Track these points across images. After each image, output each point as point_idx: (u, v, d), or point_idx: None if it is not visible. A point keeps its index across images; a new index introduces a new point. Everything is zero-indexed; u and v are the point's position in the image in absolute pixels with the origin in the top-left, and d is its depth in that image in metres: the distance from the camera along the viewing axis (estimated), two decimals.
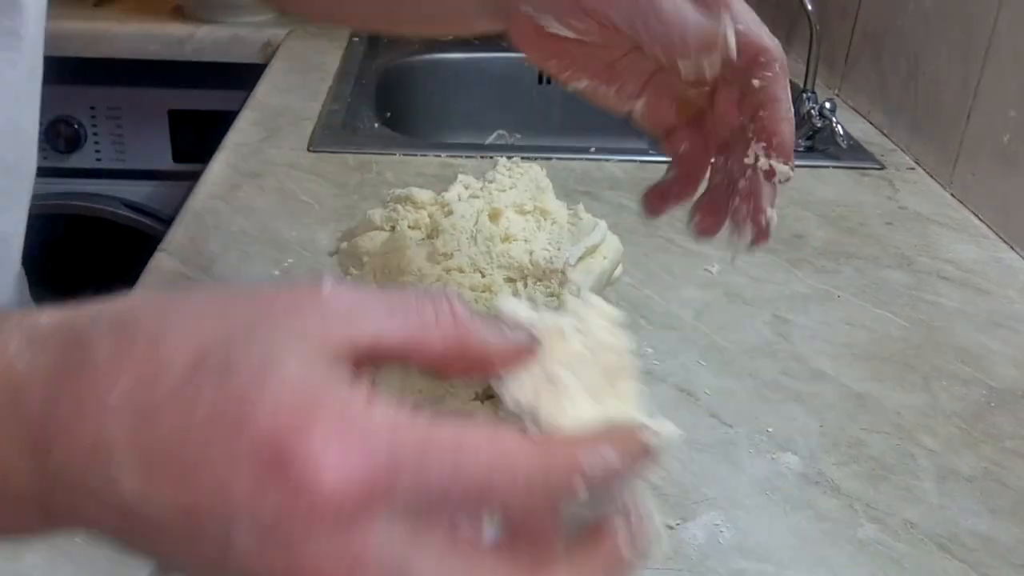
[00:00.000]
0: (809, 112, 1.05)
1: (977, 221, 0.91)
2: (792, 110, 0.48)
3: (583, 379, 0.35)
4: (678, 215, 0.89)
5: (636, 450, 0.30)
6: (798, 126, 1.06)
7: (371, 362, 0.30)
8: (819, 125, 1.04)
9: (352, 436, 0.26)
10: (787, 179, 0.47)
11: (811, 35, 1.07)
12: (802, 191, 0.96)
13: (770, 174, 0.47)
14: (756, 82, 0.47)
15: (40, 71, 0.62)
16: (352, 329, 0.29)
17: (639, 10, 0.46)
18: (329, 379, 0.27)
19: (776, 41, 0.48)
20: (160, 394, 0.26)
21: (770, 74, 0.47)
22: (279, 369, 0.27)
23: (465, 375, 0.33)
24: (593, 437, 0.29)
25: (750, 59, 0.47)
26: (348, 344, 0.29)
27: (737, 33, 0.46)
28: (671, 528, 0.51)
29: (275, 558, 0.26)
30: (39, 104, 0.63)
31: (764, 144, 0.47)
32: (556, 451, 0.28)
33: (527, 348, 0.32)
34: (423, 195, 0.62)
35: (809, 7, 1.06)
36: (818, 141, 1.06)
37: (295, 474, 0.25)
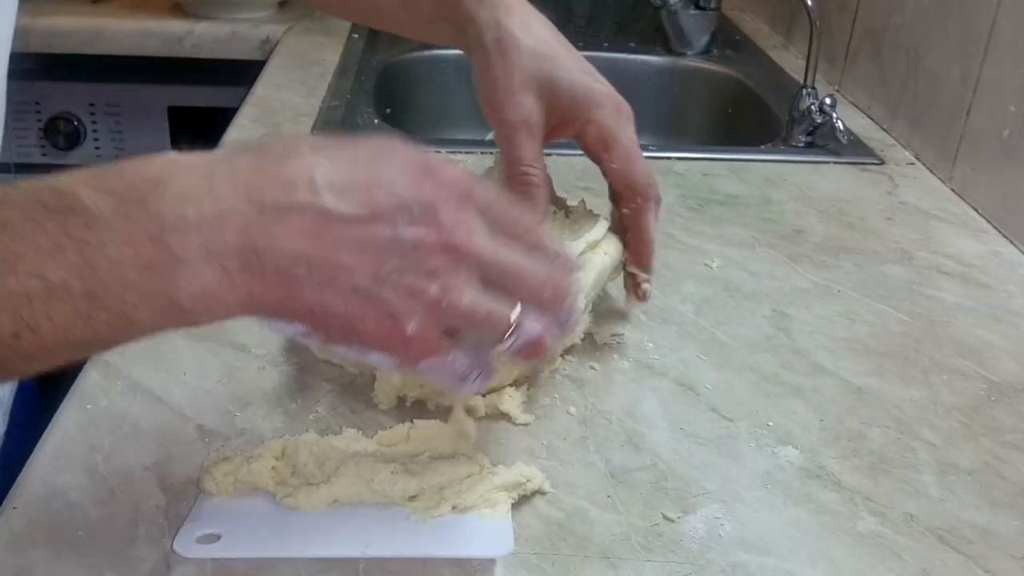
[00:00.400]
0: (809, 107, 1.05)
1: (977, 216, 0.91)
2: (653, 236, 0.64)
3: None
4: (678, 211, 0.89)
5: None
6: (799, 121, 1.07)
7: None
8: (819, 120, 1.04)
9: (459, 169, 0.44)
10: (646, 282, 0.65)
11: (811, 30, 1.07)
12: (802, 186, 0.96)
13: (635, 283, 0.65)
14: (625, 211, 0.62)
15: (5, 68, 0.63)
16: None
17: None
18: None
19: (649, 178, 0.62)
20: (333, 146, 0.42)
21: (634, 206, 0.62)
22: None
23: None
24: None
25: (620, 191, 0.62)
26: None
27: (612, 171, 0.62)
28: (672, 521, 0.52)
29: (429, 224, 0.41)
30: (5, 99, 0.64)
31: (630, 256, 0.64)
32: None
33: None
34: None
35: (809, 2, 1.06)
36: (818, 136, 1.06)
37: (435, 175, 0.42)
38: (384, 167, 0.42)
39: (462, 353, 0.44)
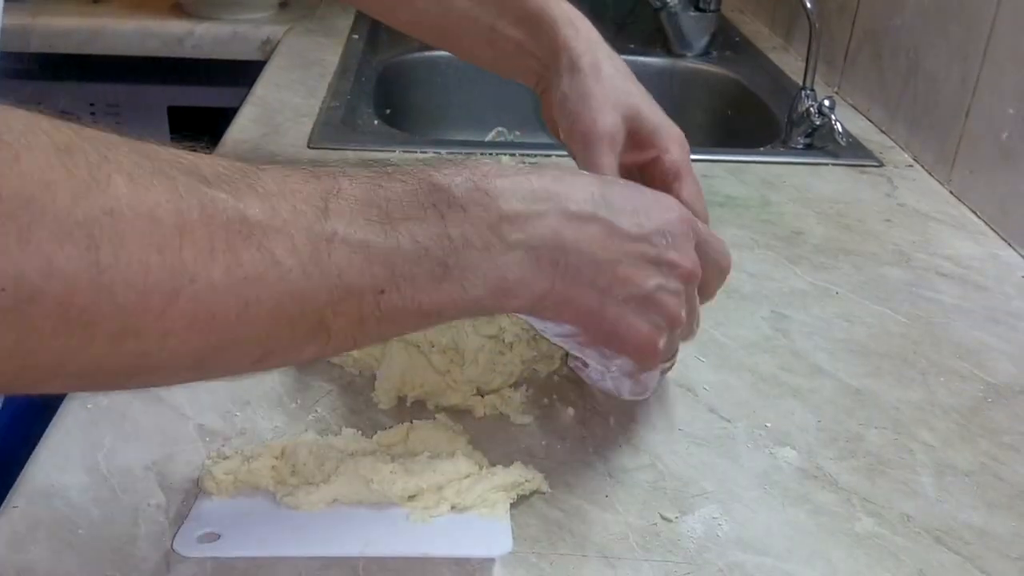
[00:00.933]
0: (808, 109, 1.05)
1: (975, 218, 0.91)
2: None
3: None
4: None
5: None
6: (798, 123, 1.07)
7: None
8: (818, 122, 1.04)
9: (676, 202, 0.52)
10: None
11: (810, 32, 1.07)
12: (801, 188, 0.96)
13: None
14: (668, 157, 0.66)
15: None
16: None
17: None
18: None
19: (707, 212, 0.65)
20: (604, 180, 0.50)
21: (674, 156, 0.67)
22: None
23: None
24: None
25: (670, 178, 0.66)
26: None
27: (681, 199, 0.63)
28: (669, 521, 0.52)
29: (680, 250, 0.49)
30: None
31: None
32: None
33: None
34: None
35: (808, 4, 1.06)
36: (817, 138, 1.06)
37: (671, 207, 0.51)
38: (646, 195, 0.50)
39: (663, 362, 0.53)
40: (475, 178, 0.44)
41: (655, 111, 0.68)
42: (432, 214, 0.42)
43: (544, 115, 0.72)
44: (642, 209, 0.48)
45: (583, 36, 0.69)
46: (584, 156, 0.65)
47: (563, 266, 0.45)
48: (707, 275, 0.52)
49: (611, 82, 0.67)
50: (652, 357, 0.50)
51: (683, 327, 0.52)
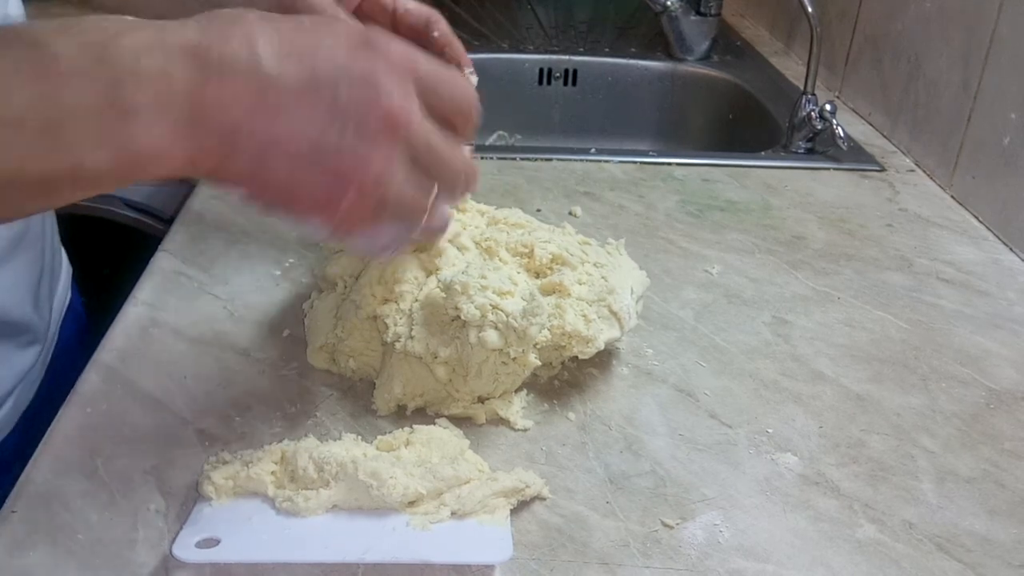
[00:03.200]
0: (809, 114, 1.05)
1: (977, 223, 0.91)
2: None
3: None
4: (678, 217, 0.89)
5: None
6: (799, 127, 1.07)
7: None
8: (819, 127, 1.04)
9: (402, 43, 0.44)
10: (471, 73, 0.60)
11: (812, 37, 1.07)
12: (802, 193, 0.96)
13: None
14: (436, 33, 0.61)
15: None
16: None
17: None
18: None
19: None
20: (277, 18, 0.42)
21: (443, 29, 0.61)
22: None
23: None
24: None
25: (424, 23, 0.61)
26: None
27: (411, 12, 0.61)
28: (670, 528, 0.52)
29: (369, 93, 0.42)
30: None
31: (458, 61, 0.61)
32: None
33: None
34: None
35: (809, 9, 1.06)
36: (818, 143, 1.06)
37: (374, 47, 0.43)
38: (326, 37, 0.42)
39: (384, 227, 0.46)
40: (92, 32, 0.38)
41: None
42: (29, 72, 0.36)
43: None
44: (324, 50, 0.42)
45: None
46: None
47: (204, 131, 0.40)
48: (448, 117, 0.46)
49: None
50: (334, 219, 0.44)
51: (416, 177, 0.45)
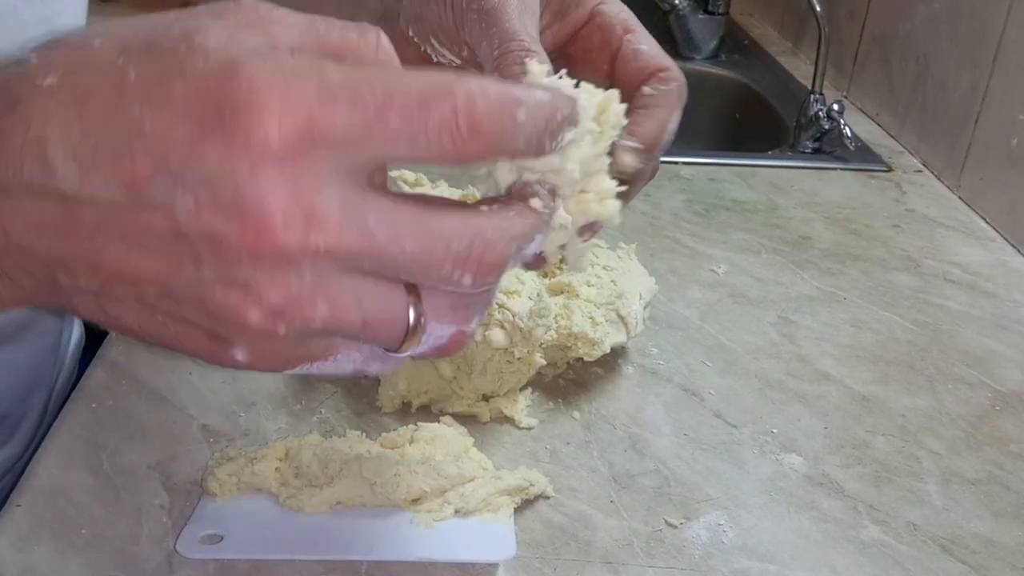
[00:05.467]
0: (817, 114, 1.05)
1: (984, 224, 0.91)
2: (675, 125, 0.47)
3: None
4: (684, 216, 0.89)
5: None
6: (806, 127, 1.06)
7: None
8: (827, 127, 1.04)
9: (282, 77, 0.25)
10: (634, 159, 0.44)
11: (820, 37, 1.07)
12: (809, 193, 0.96)
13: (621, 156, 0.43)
14: (647, 89, 0.48)
15: None
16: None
17: None
18: (249, 37, 0.27)
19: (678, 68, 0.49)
20: (87, 80, 0.27)
21: (664, 87, 0.48)
22: (201, 32, 0.26)
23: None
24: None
25: (648, 74, 0.49)
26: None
27: (640, 55, 0.50)
28: (674, 527, 0.52)
29: (227, 206, 0.26)
30: None
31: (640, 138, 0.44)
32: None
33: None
34: (409, 175, 0.62)
35: (818, 8, 1.06)
36: (825, 143, 1.06)
37: (230, 120, 0.25)
38: (156, 109, 0.26)
39: (348, 351, 0.31)
40: None
41: None
42: None
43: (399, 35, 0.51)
44: (146, 141, 0.26)
45: None
46: (488, 33, 0.45)
47: (14, 264, 0.29)
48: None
49: None
50: (238, 367, 0.30)
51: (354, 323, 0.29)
